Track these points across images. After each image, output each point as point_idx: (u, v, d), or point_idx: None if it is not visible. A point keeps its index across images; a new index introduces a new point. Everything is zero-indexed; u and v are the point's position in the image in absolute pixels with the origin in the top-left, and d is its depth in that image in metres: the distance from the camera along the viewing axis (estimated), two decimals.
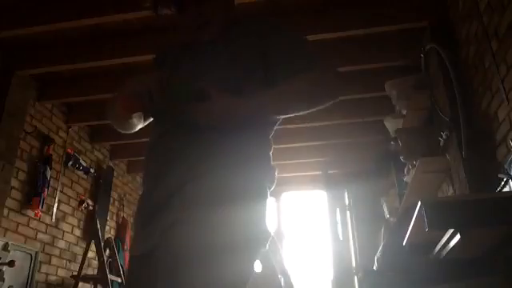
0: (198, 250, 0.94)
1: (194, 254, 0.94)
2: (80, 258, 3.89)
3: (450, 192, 2.79)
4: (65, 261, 3.98)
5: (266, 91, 1.12)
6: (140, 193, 1.21)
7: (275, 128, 1.25)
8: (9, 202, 3.32)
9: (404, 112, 3.23)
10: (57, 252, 3.88)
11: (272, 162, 1.17)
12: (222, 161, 1.06)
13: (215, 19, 1.22)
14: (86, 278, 3.92)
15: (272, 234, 1.11)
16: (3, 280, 3.05)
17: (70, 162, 4.07)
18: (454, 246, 1.28)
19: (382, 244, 2.21)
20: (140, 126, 1.32)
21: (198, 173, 1.05)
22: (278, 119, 1.23)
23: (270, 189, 1.14)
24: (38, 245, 3.63)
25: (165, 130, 1.17)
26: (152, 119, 1.27)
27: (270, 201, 1.14)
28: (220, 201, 1.00)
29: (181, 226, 0.98)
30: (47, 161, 3.70)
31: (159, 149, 1.15)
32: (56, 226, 3.88)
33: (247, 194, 1.05)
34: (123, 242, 4.73)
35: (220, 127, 1.07)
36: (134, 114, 1.19)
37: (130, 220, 5.01)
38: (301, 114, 1.16)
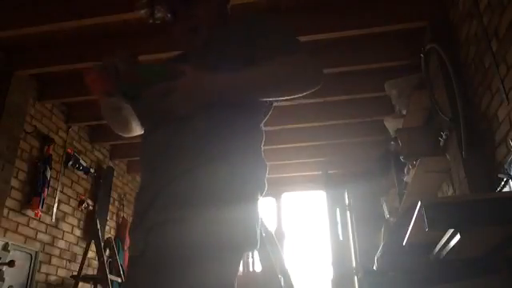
0: (189, 250, 0.91)
1: (185, 253, 0.91)
2: (80, 258, 3.89)
3: (450, 192, 2.79)
4: (65, 261, 3.98)
5: (244, 69, 1.06)
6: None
7: (265, 118, 1.20)
8: (9, 202, 3.32)
9: (404, 112, 3.23)
10: (57, 252, 3.88)
11: (263, 157, 1.12)
12: (209, 155, 1.01)
13: (206, 21, 1.20)
14: (86, 278, 3.92)
15: (268, 233, 1.09)
16: (3, 280, 3.05)
17: (70, 162, 4.07)
18: (453, 246, 1.28)
19: (381, 244, 2.21)
20: (137, 129, 1.30)
21: (185, 169, 1.00)
22: (266, 106, 1.18)
23: (262, 188, 1.09)
24: (38, 245, 3.63)
25: (152, 123, 1.14)
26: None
27: (262, 200, 1.09)
28: (209, 199, 0.96)
29: (167, 225, 0.94)
30: (47, 161, 3.70)
31: (147, 144, 1.12)
32: (56, 226, 3.88)
33: (241, 192, 1.01)
34: (123, 242, 4.73)
35: (199, 109, 1.02)
36: (113, 100, 1.16)
37: (130, 220, 5.01)
38: (281, 98, 1.11)
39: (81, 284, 3.82)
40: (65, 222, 4.02)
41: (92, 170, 4.42)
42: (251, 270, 3.10)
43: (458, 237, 1.22)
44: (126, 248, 4.68)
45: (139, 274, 0.97)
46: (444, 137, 2.61)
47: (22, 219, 3.47)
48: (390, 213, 4.10)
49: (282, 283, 2.73)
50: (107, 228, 4.65)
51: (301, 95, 1.09)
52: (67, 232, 4.05)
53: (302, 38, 2.93)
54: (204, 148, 1.02)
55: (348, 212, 5.33)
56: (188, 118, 1.04)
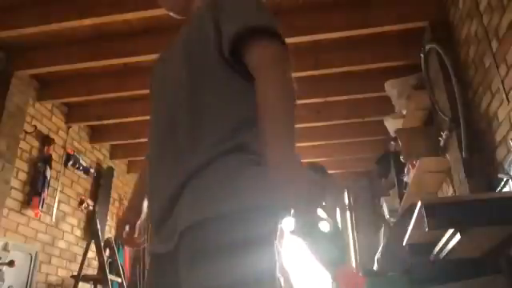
0: (222, 247, 0.89)
1: (219, 249, 0.89)
2: (80, 258, 3.89)
3: (450, 192, 2.79)
4: (65, 261, 3.98)
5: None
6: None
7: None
8: (9, 202, 3.32)
9: (404, 112, 3.23)
10: (57, 252, 3.88)
11: None
12: (235, 141, 0.98)
13: None
14: (86, 278, 3.92)
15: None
16: (3, 280, 3.04)
17: (70, 162, 4.07)
18: (454, 246, 1.28)
19: (381, 244, 2.21)
20: None
21: (215, 157, 0.96)
22: None
23: None
24: (38, 245, 3.63)
25: (160, 94, 1.12)
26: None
27: None
28: (242, 188, 0.94)
29: (208, 223, 0.91)
30: (47, 161, 3.70)
31: (166, 145, 1.07)
32: (56, 226, 3.88)
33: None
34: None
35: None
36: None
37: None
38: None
39: (81, 284, 3.82)
40: (65, 221, 4.02)
41: (92, 170, 4.42)
42: None
43: (458, 237, 1.22)
44: (125, 248, 4.67)
45: (174, 270, 0.95)
46: (444, 137, 2.61)
47: (22, 219, 3.47)
48: (389, 213, 4.10)
49: (282, 283, 2.73)
50: (107, 228, 4.65)
51: None
52: (67, 232, 4.05)
53: (302, 38, 2.97)
54: (229, 134, 0.98)
55: (348, 212, 5.33)
56: (200, 94, 1.01)
